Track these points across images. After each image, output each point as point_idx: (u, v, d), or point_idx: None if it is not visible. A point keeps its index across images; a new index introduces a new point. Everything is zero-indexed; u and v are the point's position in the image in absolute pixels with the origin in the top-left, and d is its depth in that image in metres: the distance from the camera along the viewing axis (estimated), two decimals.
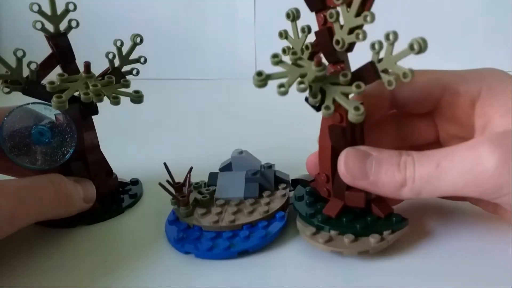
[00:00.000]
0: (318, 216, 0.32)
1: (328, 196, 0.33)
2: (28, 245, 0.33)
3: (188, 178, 0.35)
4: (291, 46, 0.33)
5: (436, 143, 0.35)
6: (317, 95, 0.27)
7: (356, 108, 0.26)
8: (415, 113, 0.34)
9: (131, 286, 0.29)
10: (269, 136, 0.53)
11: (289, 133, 0.52)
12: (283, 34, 0.33)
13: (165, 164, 0.35)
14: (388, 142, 0.35)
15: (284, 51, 0.33)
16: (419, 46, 0.25)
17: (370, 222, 0.31)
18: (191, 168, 0.36)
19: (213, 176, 0.38)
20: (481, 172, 0.25)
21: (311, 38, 0.31)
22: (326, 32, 0.29)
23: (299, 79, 0.27)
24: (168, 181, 0.35)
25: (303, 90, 0.26)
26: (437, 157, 0.27)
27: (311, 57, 0.31)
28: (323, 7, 0.29)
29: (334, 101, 0.28)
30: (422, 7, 0.78)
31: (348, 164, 0.29)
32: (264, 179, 0.37)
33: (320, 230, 0.31)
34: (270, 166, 0.38)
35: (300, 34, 0.32)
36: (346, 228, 0.31)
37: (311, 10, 0.30)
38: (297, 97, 0.29)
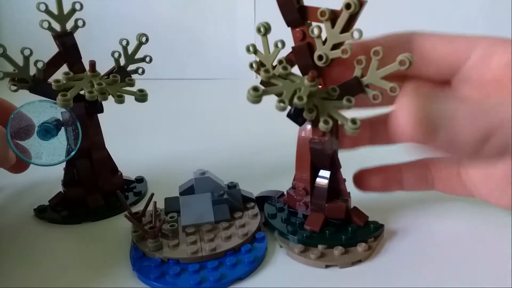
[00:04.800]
0: (302, 232, 0.32)
1: (306, 210, 0.33)
2: (33, 242, 0.34)
3: (154, 206, 0.32)
4: (258, 60, 0.32)
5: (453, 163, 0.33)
6: (314, 110, 0.27)
7: (353, 122, 0.27)
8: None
9: (134, 285, 0.29)
10: (268, 136, 0.54)
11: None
12: (251, 49, 0.31)
13: (118, 192, 0.32)
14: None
15: (251, 65, 0.32)
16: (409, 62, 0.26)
17: (352, 232, 0.32)
18: (153, 194, 0.33)
19: (170, 202, 0.35)
20: None
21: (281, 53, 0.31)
22: (305, 47, 0.29)
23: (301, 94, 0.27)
24: (129, 212, 0.31)
25: (283, 109, 0.26)
26: None
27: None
28: (302, 22, 0.29)
29: (329, 115, 0.28)
30: (422, 7, 0.78)
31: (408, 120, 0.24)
32: (233, 199, 0.35)
33: (307, 246, 0.31)
34: (234, 186, 0.36)
35: (271, 49, 0.31)
36: (332, 240, 0.31)
37: (288, 25, 0.30)
38: None
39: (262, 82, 0.29)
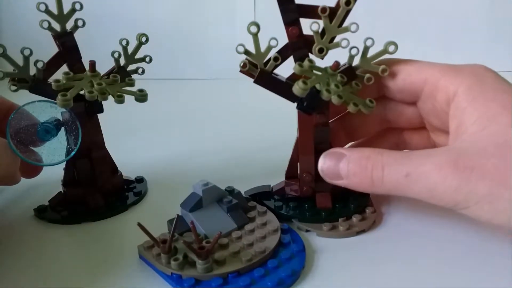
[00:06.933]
0: (321, 212, 0.35)
1: (312, 193, 0.35)
2: (33, 242, 0.34)
3: (193, 227, 0.30)
4: (246, 59, 0.32)
5: (423, 129, 0.36)
6: (342, 97, 0.30)
7: (371, 101, 0.31)
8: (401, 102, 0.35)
9: (135, 285, 0.29)
10: (267, 136, 0.54)
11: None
12: (241, 49, 0.32)
13: (139, 224, 0.30)
14: (374, 124, 0.37)
15: (244, 65, 0.32)
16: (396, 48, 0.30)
17: (355, 200, 0.35)
18: (178, 215, 0.31)
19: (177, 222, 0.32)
20: (443, 190, 0.27)
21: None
22: (304, 42, 0.32)
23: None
24: (154, 239, 0.29)
25: (329, 98, 0.30)
26: (407, 166, 0.28)
27: (274, 68, 0.32)
28: (298, 20, 0.31)
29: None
30: (423, 6, 0.78)
31: (323, 167, 0.32)
32: (242, 202, 0.35)
33: (331, 222, 0.34)
34: (232, 190, 0.36)
35: (263, 48, 0.31)
36: (346, 212, 0.34)
37: (286, 24, 0.31)
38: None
39: (256, 81, 0.32)
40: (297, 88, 0.29)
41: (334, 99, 0.29)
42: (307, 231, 0.34)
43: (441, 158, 0.27)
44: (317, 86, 0.30)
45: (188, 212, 0.33)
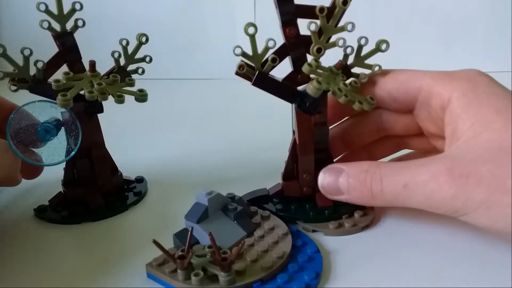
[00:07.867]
0: (324, 211, 0.35)
1: (312, 193, 0.35)
2: (33, 242, 0.34)
3: (212, 239, 0.28)
4: (243, 61, 0.32)
5: (421, 135, 0.36)
6: (348, 96, 0.31)
7: (372, 98, 0.32)
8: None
9: (135, 285, 0.29)
10: (266, 136, 0.53)
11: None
12: (239, 51, 0.31)
13: (154, 241, 0.28)
14: (371, 133, 0.37)
15: (241, 67, 0.32)
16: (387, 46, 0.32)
17: None
18: (192, 228, 0.30)
19: (184, 236, 0.31)
20: (441, 198, 0.27)
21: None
22: (302, 42, 0.32)
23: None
24: (168, 254, 0.28)
25: (340, 97, 0.30)
26: (405, 177, 0.28)
27: (271, 69, 0.32)
28: (295, 21, 0.32)
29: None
30: (423, 6, 0.78)
31: (323, 184, 0.32)
32: (246, 208, 0.34)
33: (335, 220, 0.34)
34: (233, 196, 0.35)
35: (260, 49, 0.31)
36: (347, 209, 0.35)
37: (284, 24, 0.32)
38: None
39: (254, 83, 0.32)
40: (312, 88, 0.30)
41: (342, 99, 0.30)
42: (313, 231, 0.34)
43: (436, 167, 0.27)
44: (326, 86, 0.30)
45: (195, 223, 0.31)
